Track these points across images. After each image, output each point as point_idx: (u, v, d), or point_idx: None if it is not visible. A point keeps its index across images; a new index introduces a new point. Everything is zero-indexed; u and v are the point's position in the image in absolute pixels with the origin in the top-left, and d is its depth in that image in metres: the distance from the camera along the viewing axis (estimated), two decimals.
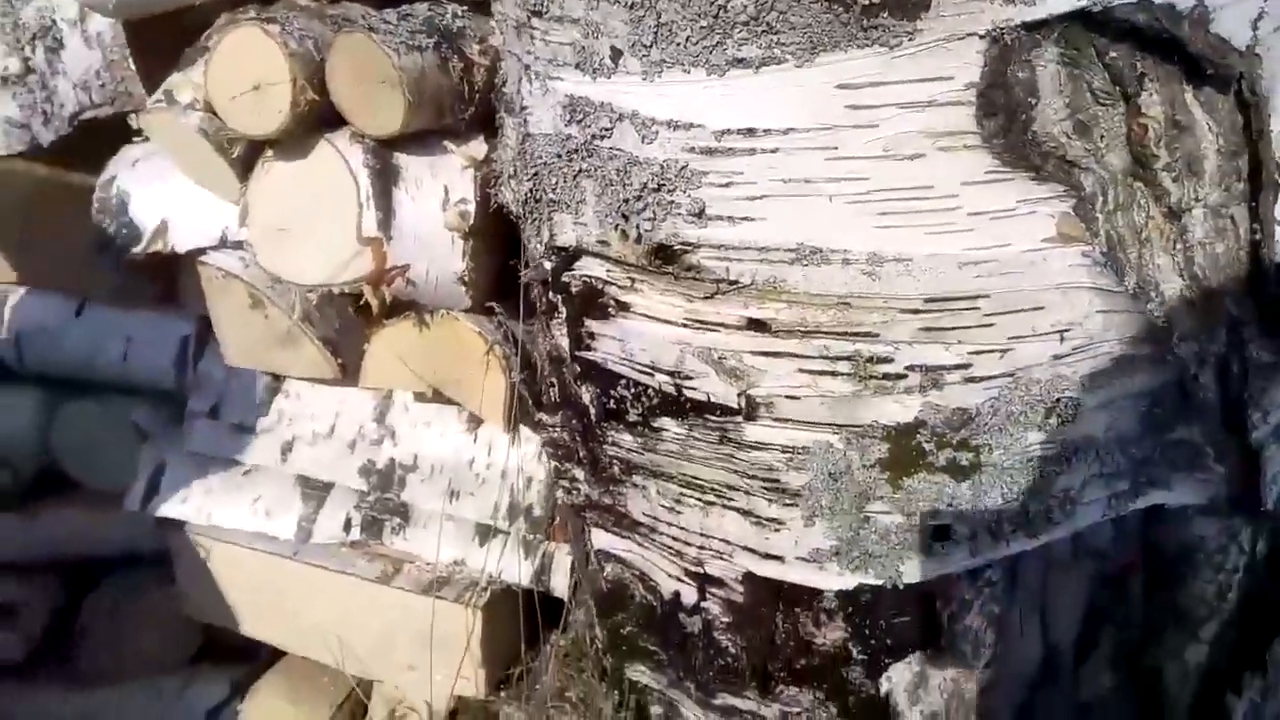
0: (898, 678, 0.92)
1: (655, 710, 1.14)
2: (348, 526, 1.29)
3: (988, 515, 0.81)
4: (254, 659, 1.46)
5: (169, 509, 1.32)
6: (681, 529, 0.94)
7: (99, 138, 1.27)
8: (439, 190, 1.06)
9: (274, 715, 1.33)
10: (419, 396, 1.27)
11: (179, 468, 1.34)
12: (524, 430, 1.28)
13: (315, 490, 1.32)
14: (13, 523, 1.43)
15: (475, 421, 1.28)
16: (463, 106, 1.04)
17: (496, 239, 1.11)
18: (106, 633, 1.46)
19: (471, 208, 1.06)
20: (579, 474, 1.01)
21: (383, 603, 1.26)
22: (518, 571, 1.27)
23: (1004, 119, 0.67)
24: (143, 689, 1.46)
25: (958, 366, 0.76)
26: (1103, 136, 0.70)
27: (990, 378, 0.76)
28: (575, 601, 1.30)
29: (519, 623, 1.30)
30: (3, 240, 1.34)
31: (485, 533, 1.29)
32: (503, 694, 1.32)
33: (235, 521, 1.30)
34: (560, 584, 1.29)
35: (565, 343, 0.94)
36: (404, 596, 1.25)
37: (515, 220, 1.02)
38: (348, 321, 1.23)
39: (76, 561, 1.48)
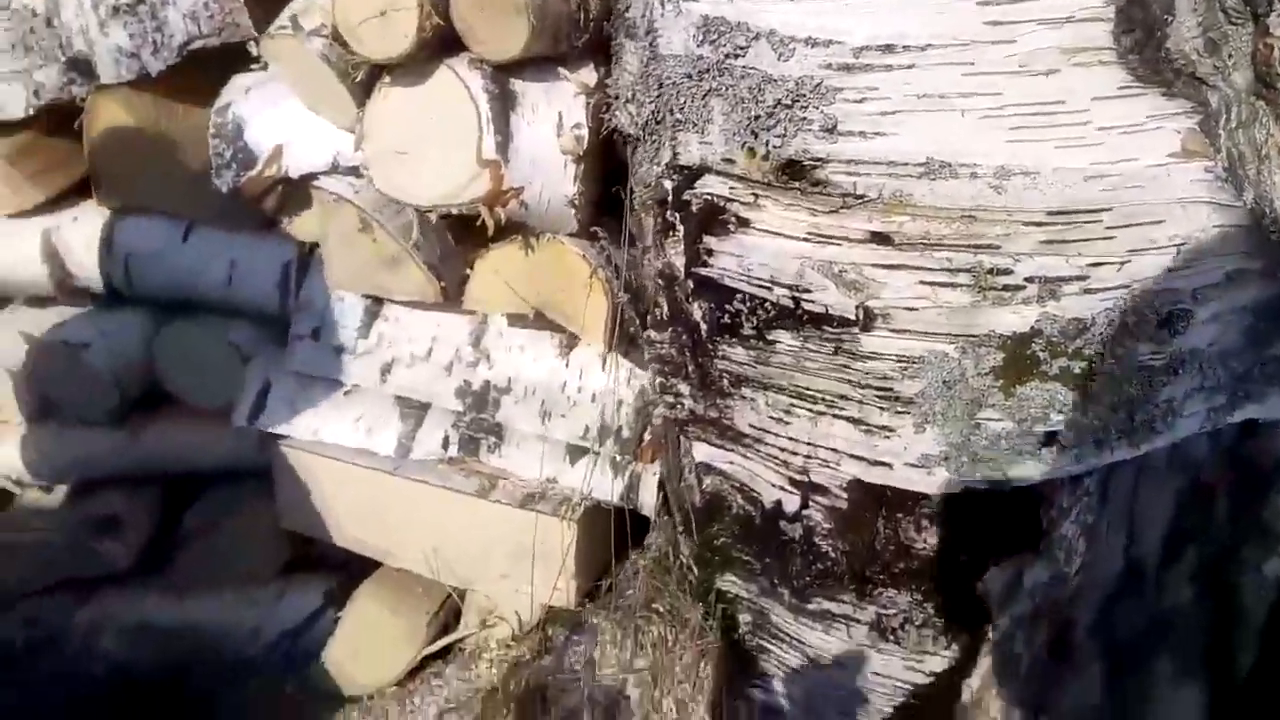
0: (993, 581, 0.97)
1: (744, 618, 1.20)
2: (445, 444, 1.35)
3: (1095, 423, 0.85)
4: (342, 572, 1.54)
5: (276, 424, 1.38)
6: (789, 439, 0.99)
7: (205, 67, 1.32)
8: (553, 116, 1.10)
9: (373, 621, 1.40)
10: (514, 321, 1.32)
11: (284, 386, 1.40)
12: (615, 355, 1.33)
13: (413, 410, 1.37)
14: (121, 439, 1.50)
15: (567, 347, 1.33)
16: (577, 34, 1.08)
17: (600, 165, 1.16)
18: (205, 544, 1.53)
19: (585, 132, 1.10)
20: (684, 389, 1.06)
21: (479, 516, 1.32)
22: (608, 489, 1.33)
23: (1140, 35, 0.71)
24: (239, 597, 1.54)
25: (1076, 278, 0.80)
26: (1230, 55, 0.73)
27: (1107, 289, 0.80)
28: (662, 518, 1.36)
29: (607, 538, 1.36)
30: (114, 166, 1.39)
31: (576, 453, 1.34)
32: (590, 605, 1.38)
33: (338, 438, 1.37)
34: (647, 502, 1.34)
35: (680, 261, 0.98)
36: (500, 509, 1.31)
37: (625, 144, 1.06)
38: (449, 248, 1.27)
39: (177, 476, 1.55)
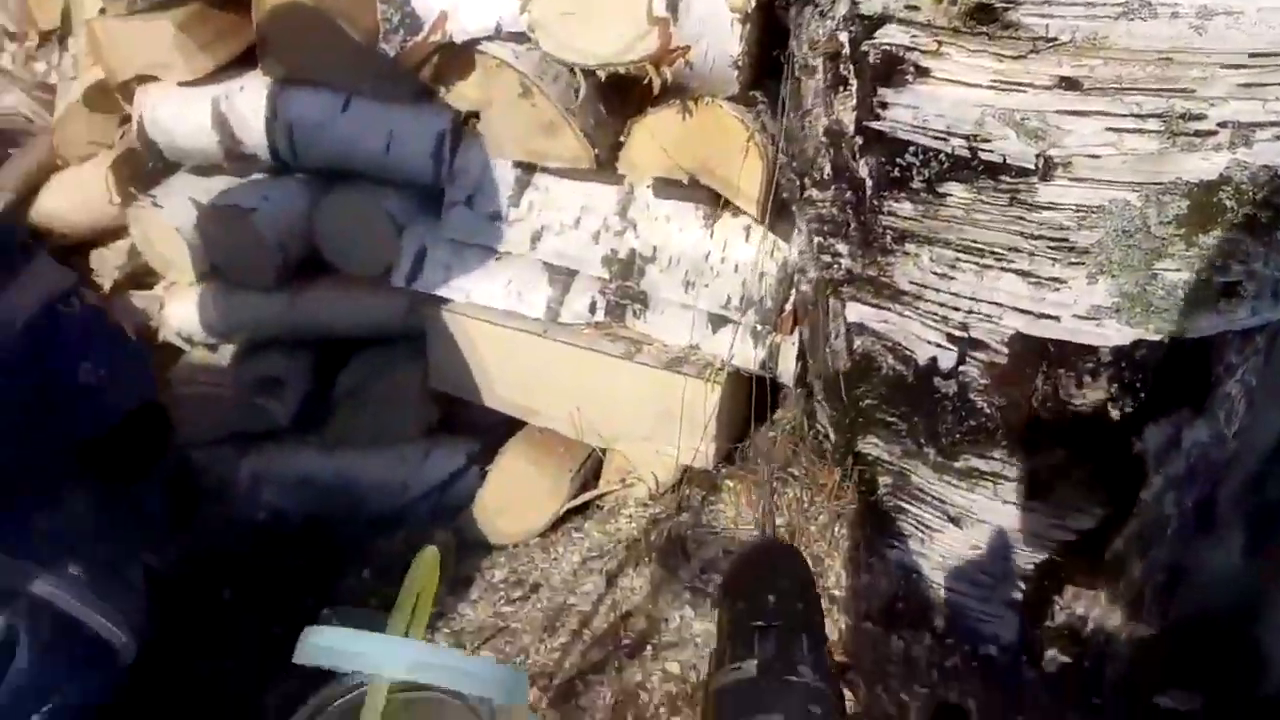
0: (1151, 439, 0.99)
1: (884, 480, 1.24)
2: (593, 309, 1.41)
3: (1275, 273, 0.85)
4: (487, 436, 1.62)
5: (432, 287, 1.45)
6: (951, 294, 1.01)
7: None
8: None
9: (519, 476, 1.48)
10: (661, 191, 1.35)
11: (439, 251, 1.46)
12: (757, 227, 1.36)
13: (561, 276, 1.43)
14: (282, 302, 1.59)
15: (712, 217, 1.36)
16: None
17: (762, 28, 1.17)
18: (356, 404, 1.63)
19: None
20: (843, 248, 1.08)
21: (624, 378, 1.38)
22: (748, 357, 1.37)
23: None
24: (388, 454, 1.64)
25: (1271, 124, 0.80)
26: None
27: None
28: (797, 390, 1.40)
29: (746, 405, 1.41)
30: (281, 37, 1.44)
31: (718, 322, 1.38)
32: (726, 469, 1.44)
33: (490, 300, 1.43)
34: (786, 371, 1.38)
35: (849, 117, 1.00)
36: (645, 371, 1.36)
37: (790, 4, 1.07)
38: (603, 115, 1.31)
39: (332, 340, 1.65)
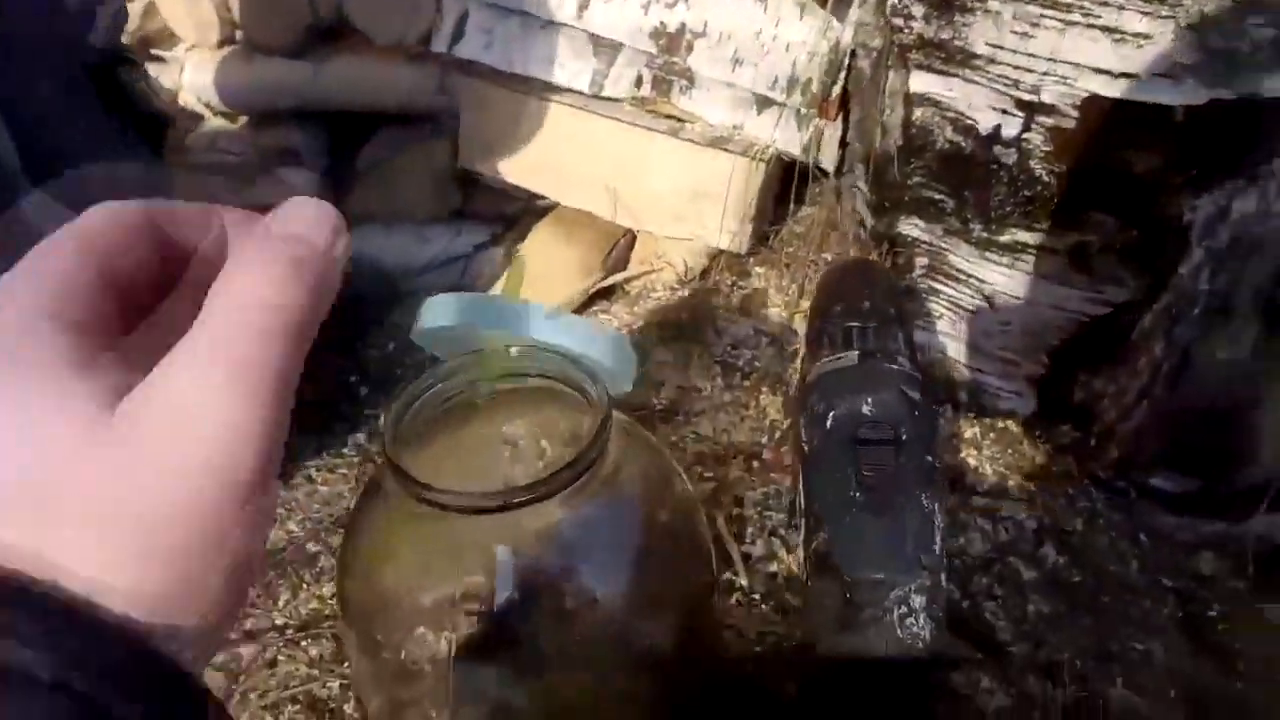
0: (1201, 209, 1.02)
1: (920, 261, 1.27)
2: (639, 83, 1.39)
3: None
4: (513, 224, 1.62)
5: (472, 52, 1.42)
6: (1028, 55, 1.01)
7: None
8: None
9: (551, 254, 1.49)
10: None
11: (481, 15, 1.42)
12: (811, 4, 1.34)
13: (606, 48, 1.40)
14: (305, 70, 1.54)
15: None
16: None
17: None
18: (379, 180, 1.61)
19: None
20: (917, 10, 1.08)
21: (664, 154, 1.38)
22: (791, 141, 1.37)
23: None
24: (411, 232, 1.63)
25: None
26: None
27: None
28: (835, 179, 1.41)
29: (783, 189, 1.42)
30: None
31: (763, 103, 1.38)
32: (753, 257, 1.46)
33: (533, 69, 1.41)
34: (827, 156, 1.39)
35: None
36: (687, 149, 1.36)
37: None
38: None
39: (355, 113, 1.61)
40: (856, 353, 0.69)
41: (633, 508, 0.71)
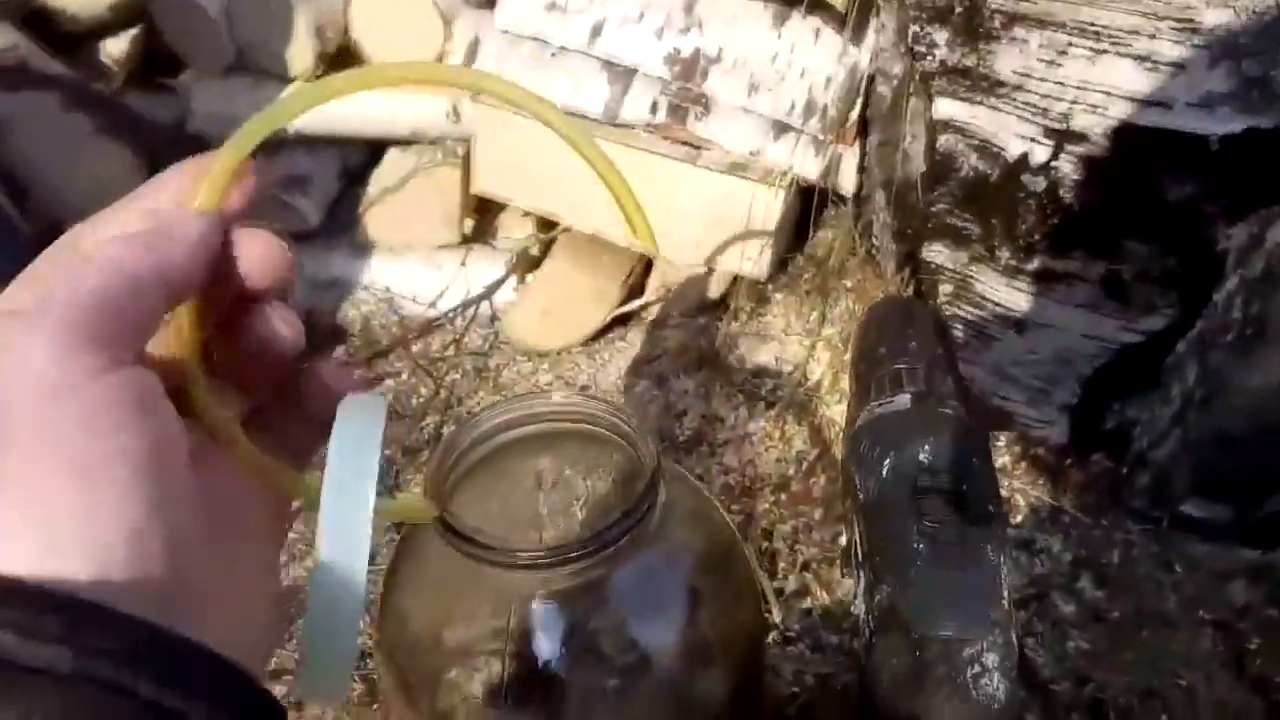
0: (1236, 237, 1.01)
1: (944, 289, 1.25)
2: (654, 109, 1.37)
3: None
4: (525, 252, 1.60)
5: None
6: (1056, 83, 1.00)
7: None
8: None
9: (566, 282, 1.47)
10: None
11: (492, 43, 1.41)
12: (827, 30, 1.33)
13: (620, 74, 1.39)
14: None
15: (782, 17, 1.33)
16: None
17: None
18: (391, 205, 1.59)
19: None
20: (941, 37, 1.06)
21: (681, 181, 1.36)
22: (809, 167, 1.36)
23: None
24: (423, 261, 1.61)
25: None
26: None
27: None
28: (857, 200, 1.40)
29: (802, 216, 1.40)
30: None
31: (780, 129, 1.36)
32: (776, 282, 1.44)
33: (546, 94, 1.39)
34: (845, 183, 1.38)
35: None
36: (704, 174, 1.34)
37: None
38: None
39: (364, 139, 1.59)
40: (908, 395, 0.67)
41: (681, 556, 0.69)
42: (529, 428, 0.73)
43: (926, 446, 0.62)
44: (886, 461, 0.62)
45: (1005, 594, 0.56)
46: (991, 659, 0.53)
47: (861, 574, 0.61)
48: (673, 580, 0.70)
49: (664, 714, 0.69)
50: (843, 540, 1.08)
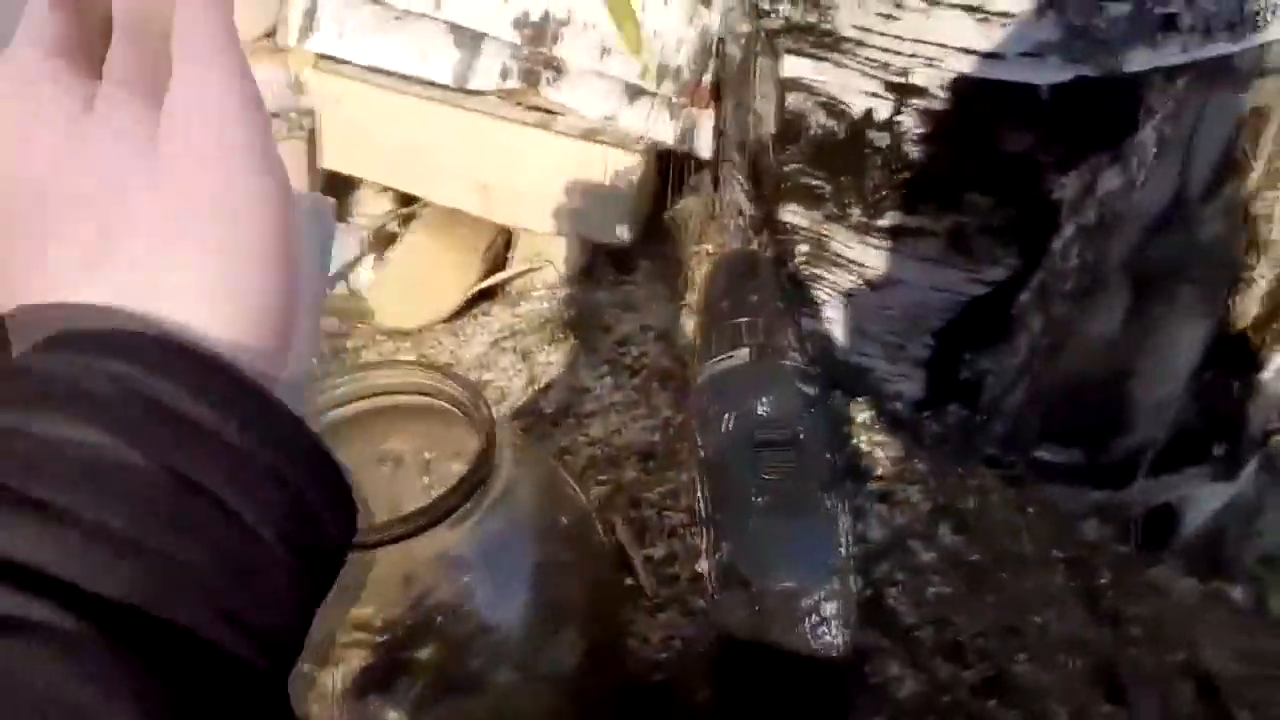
0: (1069, 186, 1.04)
1: (801, 249, 1.25)
2: (505, 75, 1.33)
3: (1211, 7, 0.89)
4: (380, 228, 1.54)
5: (325, 45, 1.33)
6: (894, 37, 1.01)
7: None
8: None
9: (425, 258, 1.42)
10: None
11: (331, 6, 1.34)
12: None
13: (468, 39, 1.34)
14: None
15: None
16: None
17: None
18: None
19: None
20: None
21: (536, 149, 1.33)
22: (665, 131, 1.34)
23: None
24: None
25: None
26: None
27: None
28: (713, 163, 1.39)
29: (660, 181, 1.39)
30: None
31: (634, 93, 1.34)
32: (638, 248, 1.43)
33: (391, 62, 1.33)
34: (702, 146, 1.36)
35: None
36: (560, 140, 1.31)
37: None
38: None
39: None
40: (747, 350, 0.66)
41: (526, 524, 0.67)
42: (363, 403, 0.71)
43: (765, 400, 0.61)
44: (726, 417, 0.61)
45: (845, 541, 0.56)
46: (829, 608, 0.52)
47: (705, 532, 0.60)
48: (518, 549, 0.69)
49: (514, 681, 0.67)
50: None
